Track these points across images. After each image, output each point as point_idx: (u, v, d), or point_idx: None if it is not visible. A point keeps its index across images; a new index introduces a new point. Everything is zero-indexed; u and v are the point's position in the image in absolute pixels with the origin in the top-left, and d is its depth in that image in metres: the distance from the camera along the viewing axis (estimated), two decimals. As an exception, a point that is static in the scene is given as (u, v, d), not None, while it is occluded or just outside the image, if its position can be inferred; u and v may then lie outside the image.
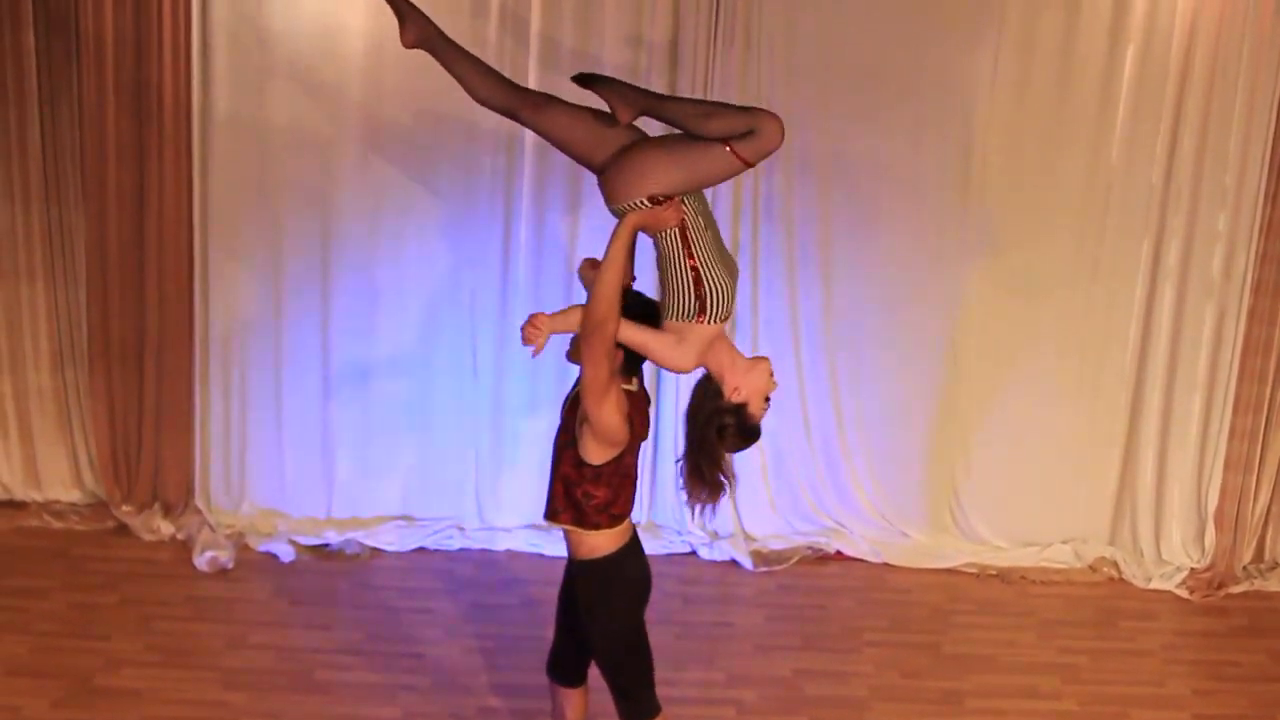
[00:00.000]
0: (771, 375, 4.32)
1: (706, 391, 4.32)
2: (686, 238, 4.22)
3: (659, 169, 4.18)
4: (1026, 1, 6.18)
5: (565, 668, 4.74)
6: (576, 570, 4.47)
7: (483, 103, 4.40)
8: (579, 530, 4.35)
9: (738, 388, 4.26)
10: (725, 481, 4.32)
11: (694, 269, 4.21)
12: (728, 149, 4.13)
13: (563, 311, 4.35)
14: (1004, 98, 6.28)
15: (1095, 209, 6.40)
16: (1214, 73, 6.18)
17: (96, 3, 6.01)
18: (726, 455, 4.33)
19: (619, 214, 4.25)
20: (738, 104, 4.10)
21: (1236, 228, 6.35)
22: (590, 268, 4.44)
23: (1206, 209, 6.35)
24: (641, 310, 4.31)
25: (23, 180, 6.31)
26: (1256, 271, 6.36)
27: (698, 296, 4.22)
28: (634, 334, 4.23)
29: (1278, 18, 6.11)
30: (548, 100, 4.38)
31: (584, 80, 4.38)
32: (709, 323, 4.23)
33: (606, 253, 4.17)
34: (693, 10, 6.12)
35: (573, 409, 4.37)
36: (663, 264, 4.27)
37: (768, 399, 4.32)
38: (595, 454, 4.27)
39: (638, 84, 4.61)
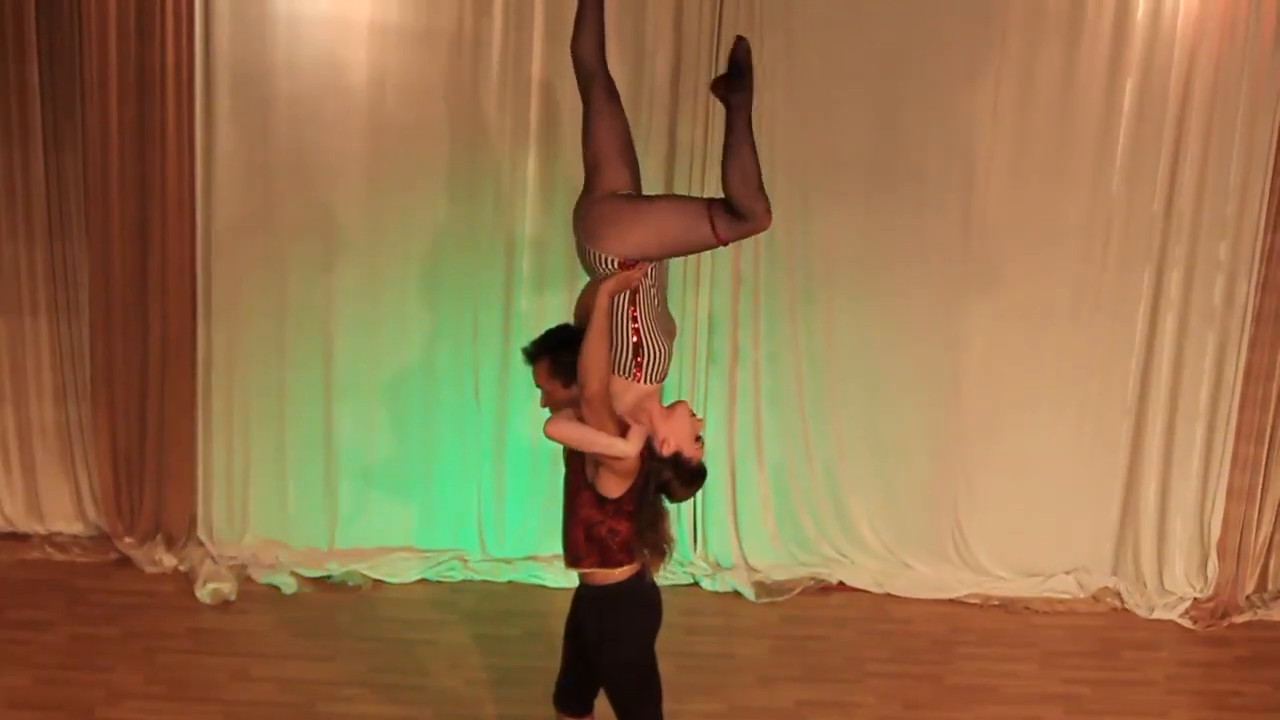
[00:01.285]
0: (692, 415, 4.43)
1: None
2: (635, 300, 4.33)
3: (641, 233, 4.28)
4: (1027, 33, 6.21)
5: (572, 697, 4.75)
6: (588, 597, 4.51)
7: (575, 57, 4.57)
8: (602, 570, 4.43)
9: (665, 439, 4.36)
10: (666, 548, 4.44)
11: (635, 331, 4.34)
12: (710, 225, 4.20)
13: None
14: (1005, 129, 6.30)
15: (1096, 239, 6.41)
16: (1214, 103, 6.20)
17: (100, 37, 6.03)
18: (666, 519, 4.44)
19: (583, 250, 4.36)
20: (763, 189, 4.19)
21: (1238, 257, 6.35)
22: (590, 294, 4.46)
23: (1207, 238, 6.35)
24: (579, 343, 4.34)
25: (26, 214, 6.32)
26: (1258, 300, 6.37)
27: (635, 355, 4.34)
28: (573, 433, 4.31)
29: (1277, 47, 6.13)
30: (618, 103, 4.53)
31: (736, 70, 4.19)
32: (644, 382, 4.36)
33: (590, 326, 4.25)
34: (694, 39, 6.14)
35: (576, 452, 4.42)
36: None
37: (699, 438, 4.43)
38: (614, 487, 4.37)
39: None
